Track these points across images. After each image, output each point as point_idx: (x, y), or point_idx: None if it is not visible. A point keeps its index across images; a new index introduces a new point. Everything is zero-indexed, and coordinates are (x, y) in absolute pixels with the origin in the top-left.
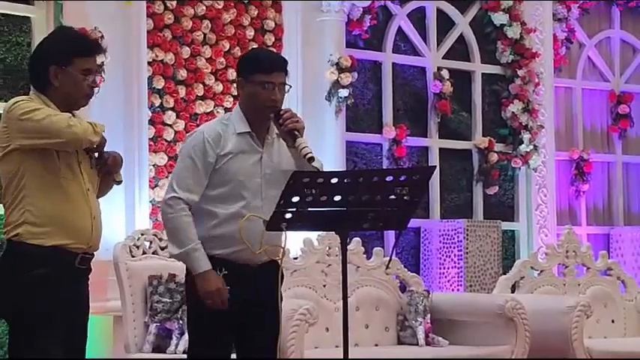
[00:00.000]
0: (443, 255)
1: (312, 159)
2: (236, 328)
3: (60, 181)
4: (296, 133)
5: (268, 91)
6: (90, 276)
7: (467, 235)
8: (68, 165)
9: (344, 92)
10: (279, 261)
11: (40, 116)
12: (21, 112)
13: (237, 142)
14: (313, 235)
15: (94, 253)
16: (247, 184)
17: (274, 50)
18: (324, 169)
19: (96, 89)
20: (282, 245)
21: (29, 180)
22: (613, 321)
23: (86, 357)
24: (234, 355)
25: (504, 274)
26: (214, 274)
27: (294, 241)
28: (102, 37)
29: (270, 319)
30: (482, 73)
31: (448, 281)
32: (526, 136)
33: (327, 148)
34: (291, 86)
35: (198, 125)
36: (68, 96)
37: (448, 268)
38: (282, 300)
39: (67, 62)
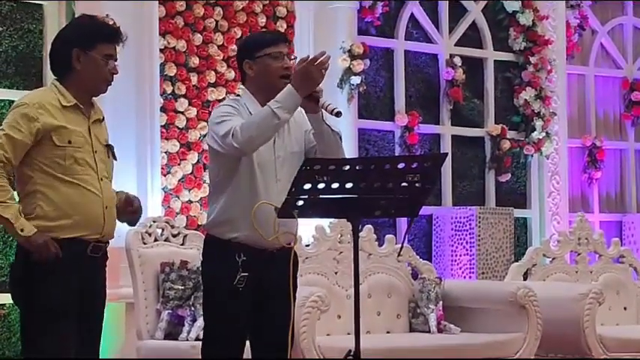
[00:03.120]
0: (455, 242)
1: (339, 113)
2: (251, 312)
3: (71, 172)
4: (315, 95)
5: (280, 60)
6: (107, 263)
7: (479, 222)
8: (81, 155)
9: (356, 79)
10: (292, 249)
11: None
12: (12, 114)
13: None
14: (325, 223)
15: (108, 241)
16: (262, 166)
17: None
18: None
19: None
20: (294, 232)
21: (39, 173)
22: (625, 308)
23: (100, 344)
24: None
25: (516, 261)
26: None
27: (306, 228)
28: (114, 23)
29: (285, 305)
30: (495, 60)
31: (460, 268)
32: (538, 123)
33: None
34: (296, 57)
35: (210, 112)
36: (88, 81)
37: (460, 256)
38: (296, 288)
39: (90, 46)
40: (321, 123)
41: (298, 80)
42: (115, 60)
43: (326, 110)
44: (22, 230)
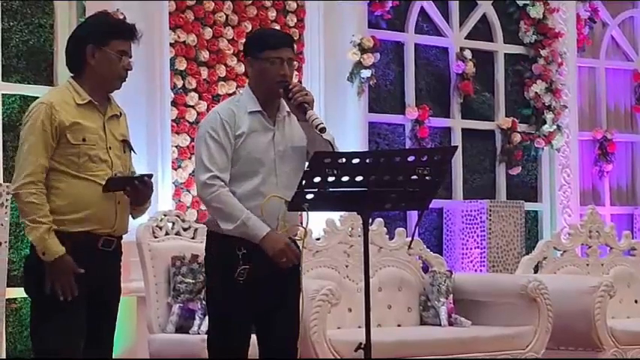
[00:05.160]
0: (465, 235)
1: (323, 129)
2: (255, 306)
3: (85, 170)
4: (306, 105)
5: (277, 66)
6: (121, 258)
7: (490, 215)
8: (95, 153)
9: (366, 73)
10: (302, 241)
11: (24, 149)
12: (25, 128)
13: (249, 122)
14: (335, 216)
15: (121, 236)
16: (262, 162)
17: (296, 31)
18: (342, 150)
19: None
20: (305, 226)
21: (53, 168)
22: (636, 301)
23: (114, 339)
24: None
25: (527, 254)
26: (276, 234)
27: (316, 221)
28: (124, 18)
29: (290, 297)
30: (505, 54)
31: (471, 262)
32: (549, 116)
33: (350, 129)
34: (298, 61)
35: None
36: (102, 77)
37: (471, 249)
38: (301, 279)
39: (104, 42)
40: (312, 131)
41: (269, 248)
42: (130, 57)
43: (311, 123)
44: (43, 254)
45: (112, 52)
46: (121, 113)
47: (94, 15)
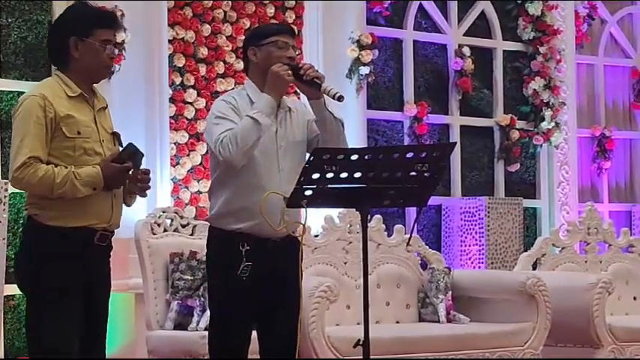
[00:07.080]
0: (464, 232)
1: (341, 97)
2: (256, 303)
3: (80, 163)
4: (317, 81)
5: (284, 50)
6: (111, 253)
7: (488, 212)
8: (89, 146)
9: (365, 70)
10: (300, 238)
11: (16, 142)
12: (17, 121)
13: None
14: (334, 213)
15: (114, 230)
16: (264, 156)
17: (294, 28)
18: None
19: (116, 66)
20: (303, 222)
21: (48, 162)
22: (635, 298)
23: (107, 334)
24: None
25: (526, 251)
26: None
27: (315, 218)
28: (122, 15)
29: (290, 294)
30: (504, 50)
31: (469, 258)
32: (547, 113)
33: (348, 125)
34: (300, 51)
35: None
36: (88, 68)
37: (469, 246)
38: (302, 277)
39: (86, 33)
40: (323, 109)
41: (269, 84)
42: (114, 45)
43: (328, 95)
44: (95, 186)
45: (96, 42)
46: (107, 105)
47: (72, 6)
